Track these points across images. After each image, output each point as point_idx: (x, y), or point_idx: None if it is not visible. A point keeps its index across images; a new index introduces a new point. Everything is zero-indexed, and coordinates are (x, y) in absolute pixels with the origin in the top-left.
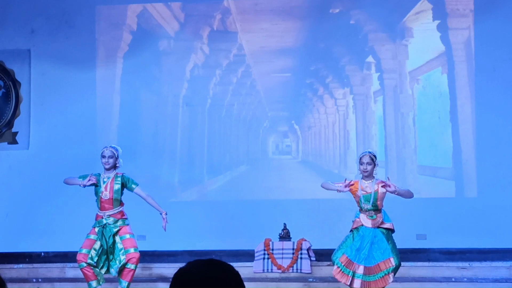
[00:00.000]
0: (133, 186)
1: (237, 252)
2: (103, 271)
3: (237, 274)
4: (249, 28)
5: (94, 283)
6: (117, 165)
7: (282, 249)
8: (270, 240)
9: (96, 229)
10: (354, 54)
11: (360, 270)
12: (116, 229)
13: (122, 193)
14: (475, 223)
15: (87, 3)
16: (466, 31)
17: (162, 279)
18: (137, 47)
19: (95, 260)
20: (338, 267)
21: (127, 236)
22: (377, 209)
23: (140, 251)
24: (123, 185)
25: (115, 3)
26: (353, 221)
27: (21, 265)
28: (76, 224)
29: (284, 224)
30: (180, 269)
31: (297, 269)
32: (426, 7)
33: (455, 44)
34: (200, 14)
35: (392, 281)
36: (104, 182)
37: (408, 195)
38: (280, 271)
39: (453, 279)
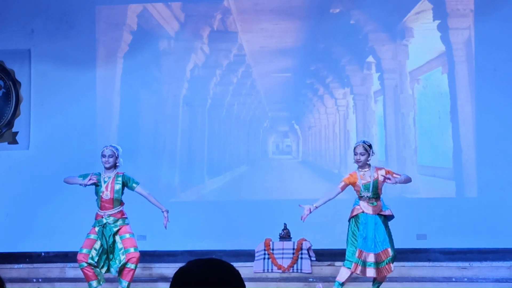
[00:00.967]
0: (134, 185)
1: (237, 252)
2: (103, 270)
3: (237, 273)
4: (249, 28)
5: (94, 283)
6: (117, 164)
7: (283, 249)
8: (271, 240)
9: (96, 229)
10: (354, 54)
11: (371, 258)
12: (116, 229)
13: (122, 193)
14: (475, 223)
15: (87, 3)
16: (466, 31)
17: (162, 279)
18: (137, 47)
19: (96, 260)
20: (356, 263)
21: (127, 235)
22: (377, 196)
23: (140, 251)
24: (124, 185)
25: (115, 3)
26: (352, 210)
27: (21, 265)
28: (76, 224)
29: (285, 224)
30: (181, 269)
31: (297, 269)
32: (426, 7)
33: (456, 44)
34: (200, 14)
35: (393, 270)
36: (105, 182)
37: (407, 181)
38: (280, 271)
39: (453, 279)
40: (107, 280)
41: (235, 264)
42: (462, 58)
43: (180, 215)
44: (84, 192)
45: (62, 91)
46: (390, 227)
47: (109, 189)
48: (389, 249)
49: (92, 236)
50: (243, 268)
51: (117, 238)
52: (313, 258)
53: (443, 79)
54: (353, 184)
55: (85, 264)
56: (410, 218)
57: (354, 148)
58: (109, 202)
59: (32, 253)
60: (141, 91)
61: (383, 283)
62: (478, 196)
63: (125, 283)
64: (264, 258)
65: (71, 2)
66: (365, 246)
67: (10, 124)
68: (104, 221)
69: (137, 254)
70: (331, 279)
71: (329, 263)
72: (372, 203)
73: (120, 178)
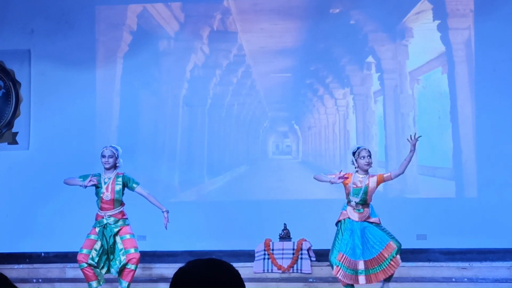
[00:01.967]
0: (134, 185)
1: (237, 252)
2: (103, 271)
3: (237, 273)
4: (249, 28)
5: (94, 284)
6: (117, 164)
7: (282, 249)
8: (270, 240)
9: (97, 229)
10: (354, 54)
11: (361, 265)
12: (116, 229)
13: (123, 194)
14: (475, 223)
15: (87, 3)
16: (466, 31)
17: (162, 279)
18: (137, 48)
19: (96, 261)
20: (338, 266)
21: (128, 236)
22: (365, 203)
23: (140, 252)
24: (124, 185)
25: (115, 3)
26: (340, 213)
27: (21, 266)
28: (76, 224)
29: (284, 224)
30: (180, 269)
31: (297, 269)
32: (426, 7)
33: (455, 44)
34: (200, 14)
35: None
36: (105, 183)
37: (404, 170)
38: (280, 271)
39: (453, 279)
40: (107, 281)
41: (235, 264)
42: (462, 58)
43: (180, 215)
44: (84, 192)
45: (62, 91)
46: (389, 228)
47: (109, 190)
48: (392, 242)
49: (93, 237)
50: (243, 268)
51: (118, 238)
52: (313, 259)
53: (443, 79)
54: (345, 185)
55: (85, 265)
56: (410, 218)
57: (359, 152)
58: (109, 203)
59: (32, 253)
60: (141, 91)
61: (383, 283)
62: (478, 196)
63: (125, 284)
64: (264, 258)
65: (71, 2)
66: (353, 254)
67: (10, 124)
68: (105, 221)
69: (138, 255)
70: (331, 279)
71: (329, 263)
72: (359, 210)
73: (120, 179)
